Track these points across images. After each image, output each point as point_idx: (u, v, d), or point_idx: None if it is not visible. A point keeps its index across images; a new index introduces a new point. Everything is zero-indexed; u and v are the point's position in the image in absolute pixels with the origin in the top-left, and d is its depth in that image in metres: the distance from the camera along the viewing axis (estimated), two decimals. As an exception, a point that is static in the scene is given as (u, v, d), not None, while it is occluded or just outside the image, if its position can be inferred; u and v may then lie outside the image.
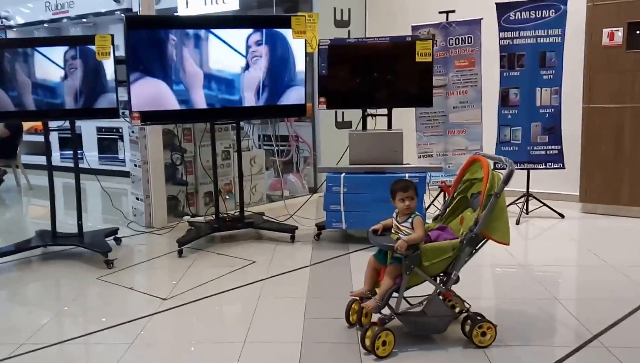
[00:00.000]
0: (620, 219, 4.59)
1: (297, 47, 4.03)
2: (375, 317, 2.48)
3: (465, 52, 4.66)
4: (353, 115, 5.86)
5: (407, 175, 3.81)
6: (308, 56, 4.28)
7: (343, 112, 5.81)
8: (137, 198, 4.69)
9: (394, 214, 2.53)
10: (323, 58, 4.04)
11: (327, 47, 4.02)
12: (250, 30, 3.96)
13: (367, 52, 4.06)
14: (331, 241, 4.15)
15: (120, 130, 7.38)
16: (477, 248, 2.39)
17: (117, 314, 2.92)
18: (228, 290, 3.17)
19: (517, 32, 4.57)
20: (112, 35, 3.75)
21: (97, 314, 3.01)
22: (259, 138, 6.15)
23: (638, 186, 4.59)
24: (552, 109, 4.69)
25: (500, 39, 4.61)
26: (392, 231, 2.51)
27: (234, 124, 5.15)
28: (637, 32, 4.45)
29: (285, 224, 4.29)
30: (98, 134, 7.67)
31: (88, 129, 7.61)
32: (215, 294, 3.12)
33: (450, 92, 4.74)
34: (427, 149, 4.83)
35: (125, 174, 7.00)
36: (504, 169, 2.36)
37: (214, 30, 3.88)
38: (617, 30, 4.51)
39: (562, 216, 4.72)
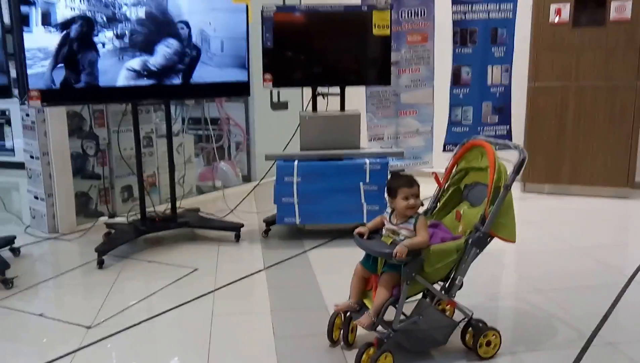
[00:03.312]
0: (563, 198, 4.56)
1: (238, 14, 3.46)
2: (367, 334, 2.08)
3: (418, 27, 4.32)
4: (290, 95, 5.35)
5: (367, 161, 3.42)
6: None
7: (279, 92, 5.28)
8: (36, 197, 3.87)
9: (387, 215, 2.11)
10: (268, 28, 3.49)
11: (272, 14, 3.49)
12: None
13: (318, 23, 3.57)
14: (282, 238, 3.67)
15: (7, 113, 6.27)
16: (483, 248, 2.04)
17: (28, 352, 2.27)
18: (171, 309, 2.60)
19: (470, 6, 4.30)
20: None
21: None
22: (183, 121, 5.48)
23: (578, 165, 4.58)
24: (503, 88, 4.51)
25: (453, 12, 4.32)
26: (384, 233, 2.10)
27: (157, 106, 4.51)
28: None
29: (229, 222, 3.75)
30: (-25, 118, 6.49)
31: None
32: (155, 315, 2.53)
33: (402, 69, 4.40)
34: (378, 131, 4.47)
35: (16, 166, 6.00)
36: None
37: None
38: (564, 6, 4.39)
39: (510, 198, 4.59)
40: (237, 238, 3.57)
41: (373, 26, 3.51)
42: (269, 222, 3.65)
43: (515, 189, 4.77)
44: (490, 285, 2.83)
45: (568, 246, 3.39)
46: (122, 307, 2.62)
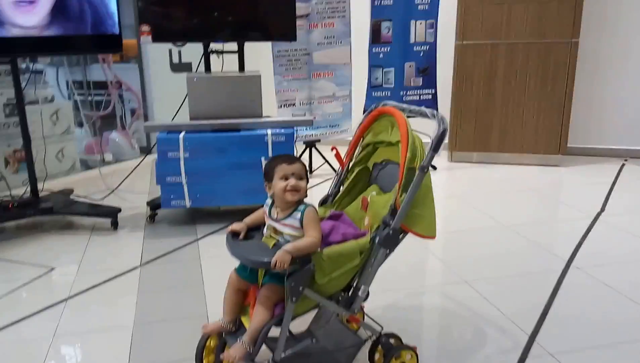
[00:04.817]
0: (492, 168, 4.27)
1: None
2: None
3: (330, -28, 3.76)
4: (194, 54, 4.71)
5: (269, 131, 2.88)
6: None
7: (180, 51, 4.61)
8: None
9: (266, 208, 1.59)
10: (142, -33, 2.82)
11: (146, -50, 2.81)
12: None
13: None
14: (172, 223, 3.10)
15: None
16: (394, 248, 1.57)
17: None
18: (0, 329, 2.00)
19: (390, -50, 3.79)
20: None
21: None
22: (68, 86, 4.69)
23: (507, 131, 4.28)
24: (427, 47, 4.06)
25: (371, -43, 3.79)
26: (265, 232, 1.58)
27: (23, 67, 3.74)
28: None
29: (101, 206, 3.11)
30: None
31: None
32: (-21, 338, 1.93)
33: (313, 24, 3.83)
34: (289, 96, 3.91)
35: None
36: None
37: None
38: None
39: (434, 168, 4.23)
40: (114, 225, 2.96)
41: (272, -33, 2.91)
42: (154, 206, 3.06)
43: (443, 159, 4.48)
44: (407, 276, 2.41)
45: (497, 224, 3.04)
46: (-63, 328, 1.99)
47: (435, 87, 4.17)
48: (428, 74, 4.13)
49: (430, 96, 4.19)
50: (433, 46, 4.05)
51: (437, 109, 4.16)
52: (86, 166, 4.27)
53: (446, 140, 4.46)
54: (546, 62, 4.06)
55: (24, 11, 2.58)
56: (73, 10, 2.70)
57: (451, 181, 3.99)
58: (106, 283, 2.34)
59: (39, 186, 3.09)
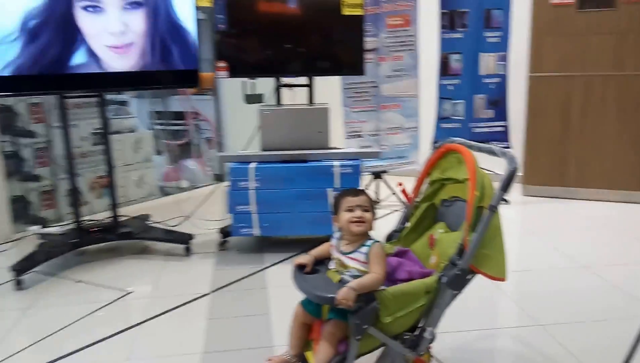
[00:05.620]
0: (568, 203, 4.07)
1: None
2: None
3: (399, 8, 3.80)
4: (266, 86, 4.88)
5: (336, 163, 2.92)
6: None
7: (254, 83, 4.78)
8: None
9: (334, 241, 1.62)
10: (221, 8, 2.98)
11: (225, -8, 2.98)
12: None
13: (279, 2, 3.06)
14: (241, 250, 3.18)
15: None
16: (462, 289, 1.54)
17: None
18: (76, 351, 2.09)
19: (460, -16, 3.79)
20: None
21: None
22: (149, 116, 4.98)
23: (585, 165, 4.08)
24: (498, 79, 3.99)
25: (441, -9, 3.81)
26: (332, 265, 1.60)
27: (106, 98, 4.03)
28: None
29: (175, 233, 3.25)
30: None
31: None
32: (54, 360, 2.04)
33: (382, 57, 3.88)
34: (356, 128, 3.96)
35: None
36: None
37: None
38: (568, -15, 3.88)
39: (507, 202, 4.07)
40: (187, 251, 3.08)
41: (342, 5, 2.98)
42: (226, 233, 3.16)
43: (516, 193, 4.33)
44: (477, 316, 2.33)
45: (574, 264, 2.89)
46: (24, 345, 2.14)
47: (506, 120, 4.07)
48: (499, 106, 4.04)
49: (501, 128, 4.09)
50: (504, 78, 3.97)
51: (508, 142, 4.07)
52: (164, 192, 4.49)
53: (520, 173, 4.29)
54: (626, 95, 3.88)
55: (119, 53, 2.80)
56: (160, 50, 2.90)
57: (525, 217, 3.85)
58: (178, 309, 2.43)
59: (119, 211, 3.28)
